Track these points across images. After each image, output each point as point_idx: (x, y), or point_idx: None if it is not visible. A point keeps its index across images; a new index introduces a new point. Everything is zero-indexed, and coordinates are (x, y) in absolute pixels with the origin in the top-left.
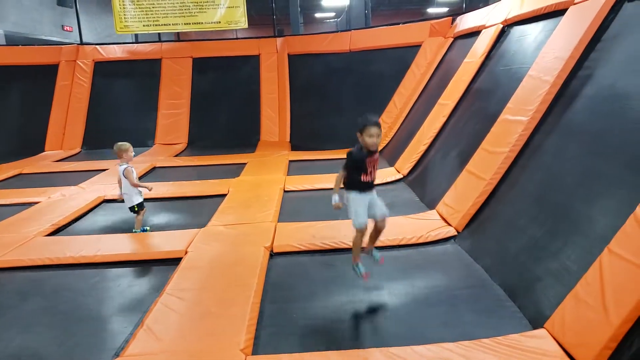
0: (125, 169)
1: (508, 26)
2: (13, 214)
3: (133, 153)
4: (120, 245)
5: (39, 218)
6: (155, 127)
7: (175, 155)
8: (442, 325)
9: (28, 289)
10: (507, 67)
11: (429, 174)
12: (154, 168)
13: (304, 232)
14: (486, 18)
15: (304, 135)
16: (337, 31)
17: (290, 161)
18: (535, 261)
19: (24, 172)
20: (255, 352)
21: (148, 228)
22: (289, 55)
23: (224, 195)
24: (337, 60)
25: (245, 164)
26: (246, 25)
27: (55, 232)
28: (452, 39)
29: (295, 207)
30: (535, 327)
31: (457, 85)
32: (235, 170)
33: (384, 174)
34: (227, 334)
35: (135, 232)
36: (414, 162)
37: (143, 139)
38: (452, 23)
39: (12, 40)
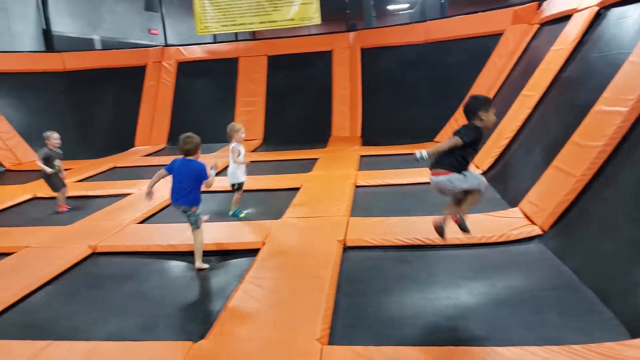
0: (232, 146)
1: (604, 8)
2: (109, 203)
3: (243, 134)
4: (205, 235)
5: (131, 207)
6: None
7: (252, 151)
8: (525, 328)
9: (123, 272)
10: (602, 53)
11: (511, 169)
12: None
13: (376, 227)
14: (578, 0)
15: (376, 130)
16: (411, 22)
17: (362, 156)
18: (635, 264)
19: (118, 165)
20: (330, 342)
21: (243, 214)
22: (361, 49)
23: (297, 189)
24: (411, 53)
25: (317, 159)
26: (319, 21)
27: (145, 221)
28: (538, 26)
29: (366, 202)
30: (634, 336)
31: (544, 75)
32: (307, 165)
33: None
34: (304, 323)
35: (231, 213)
36: (495, 157)
37: (222, 136)
38: (538, 8)
39: (107, 45)
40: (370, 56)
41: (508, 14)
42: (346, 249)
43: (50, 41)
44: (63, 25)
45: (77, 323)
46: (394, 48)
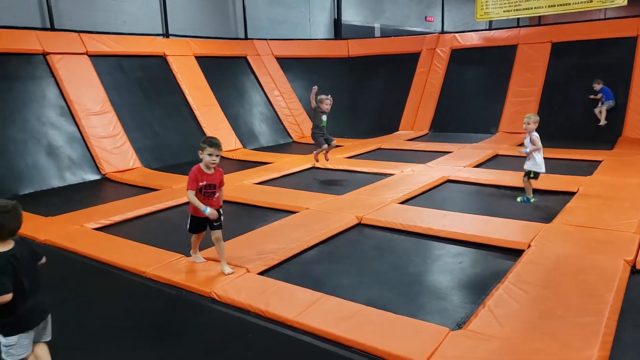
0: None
1: None
2: (374, 181)
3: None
4: (464, 225)
5: (394, 187)
6: (500, 115)
7: (519, 145)
8: None
9: (384, 246)
10: None
11: None
12: (496, 155)
13: None
14: None
15: None
16: None
17: None
18: None
19: (383, 147)
20: None
21: (532, 199)
22: None
23: (572, 194)
24: None
25: (599, 161)
26: (626, 3)
27: (405, 202)
28: None
29: None
30: None
31: None
32: (586, 168)
33: None
34: (575, 343)
35: (523, 199)
36: None
37: (486, 126)
38: None
39: (384, 32)
40: None
41: None
42: (635, 271)
43: (339, 29)
44: (349, 15)
45: (342, 282)
46: None
